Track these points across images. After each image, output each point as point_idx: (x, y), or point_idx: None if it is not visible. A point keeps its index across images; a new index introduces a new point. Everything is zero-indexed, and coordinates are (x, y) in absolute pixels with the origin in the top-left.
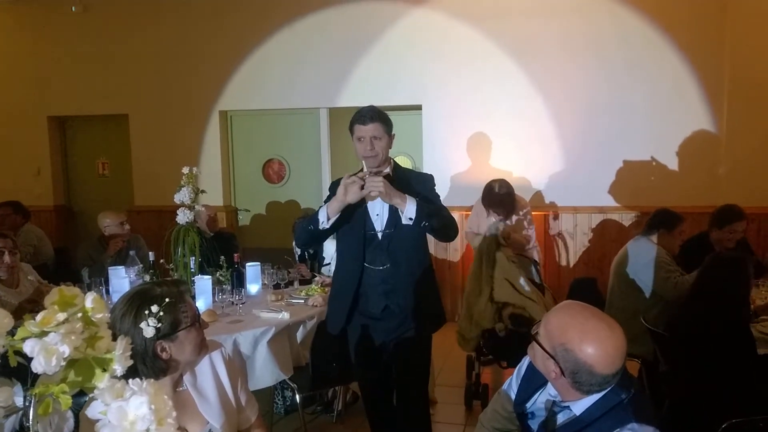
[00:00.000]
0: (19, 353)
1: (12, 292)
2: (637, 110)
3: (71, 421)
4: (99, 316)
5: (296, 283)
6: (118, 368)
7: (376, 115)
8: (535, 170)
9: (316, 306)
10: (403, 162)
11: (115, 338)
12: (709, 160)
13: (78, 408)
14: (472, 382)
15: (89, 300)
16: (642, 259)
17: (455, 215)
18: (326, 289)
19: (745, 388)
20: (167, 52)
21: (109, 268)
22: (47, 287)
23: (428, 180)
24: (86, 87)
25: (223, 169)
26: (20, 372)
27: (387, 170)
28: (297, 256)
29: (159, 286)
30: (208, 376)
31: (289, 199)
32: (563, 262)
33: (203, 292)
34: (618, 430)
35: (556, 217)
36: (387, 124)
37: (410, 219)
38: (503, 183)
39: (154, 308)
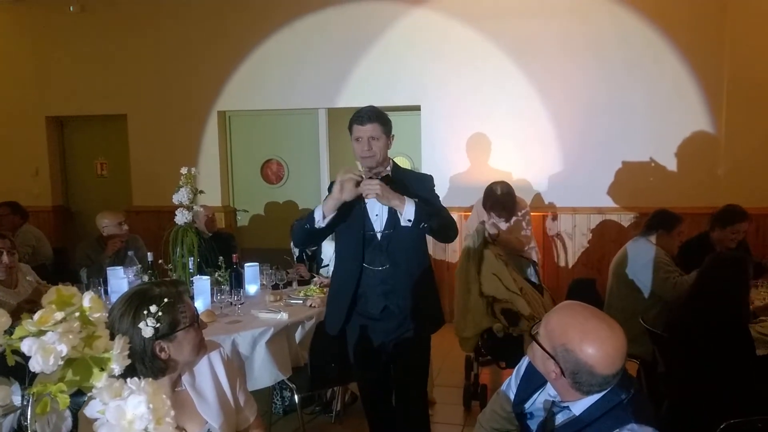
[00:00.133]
0: (17, 352)
1: (10, 293)
2: (636, 111)
3: (69, 420)
4: (97, 315)
5: (295, 284)
6: (116, 367)
7: (375, 116)
8: (534, 171)
9: (315, 307)
10: (402, 162)
11: (113, 338)
12: (708, 160)
13: (76, 407)
14: (470, 383)
15: (87, 299)
16: (641, 259)
17: (454, 216)
18: (325, 290)
19: (744, 389)
20: (166, 53)
21: (108, 268)
22: (46, 287)
23: (428, 180)
24: (85, 87)
25: (222, 169)
26: (18, 371)
27: (387, 171)
28: (295, 257)
29: (158, 287)
30: (207, 376)
31: (288, 199)
32: (562, 263)
33: (202, 292)
34: (617, 430)
35: (555, 218)
36: (386, 125)
37: (409, 221)
38: (504, 185)
39: (153, 308)
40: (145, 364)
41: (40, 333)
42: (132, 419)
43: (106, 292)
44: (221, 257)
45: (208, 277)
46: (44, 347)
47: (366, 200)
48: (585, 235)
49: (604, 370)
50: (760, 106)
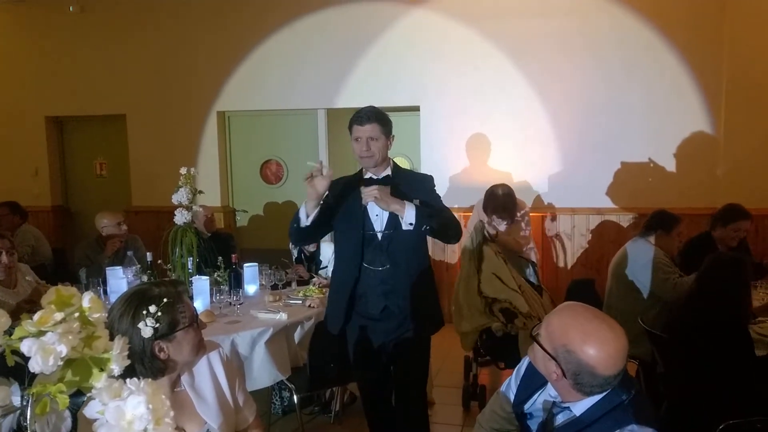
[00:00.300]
0: (17, 353)
1: (9, 293)
2: (635, 111)
3: (69, 421)
4: (96, 315)
5: (294, 284)
6: (116, 368)
7: (374, 116)
8: (533, 171)
9: (314, 307)
10: (401, 163)
11: (113, 338)
12: (707, 161)
13: (75, 407)
14: (469, 383)
15: (86, 299)
16: (640, 260)
17: None
18: (324, 290)
19: (744, 389)
20: (165, 53)
21: (107, 268)
22: (45, 287)
23: (428, 180)
24: (84, 87)
25: (221, 169)
26: (18, 371)
27: (387, 171)
28: (294, 257)
29: (157, 287)
30: (206, 376)
31: (287, 199)
32: (561, 264)
33: (201, 292)
34: (618, 431)
35: (554, 218)
36: (385, 125)
37: (410, 224)
38: (504, 186)
39: (152, 308)
40: (144, 364)
41: (40, 333)
42: (131, 420)
43: (105, 292)
44: (220, 257)
45: (207, 277)
46: (44, 348)
47: (365, 201)
48: (584, 236)
49: (605, 371)
50: (759, 106)
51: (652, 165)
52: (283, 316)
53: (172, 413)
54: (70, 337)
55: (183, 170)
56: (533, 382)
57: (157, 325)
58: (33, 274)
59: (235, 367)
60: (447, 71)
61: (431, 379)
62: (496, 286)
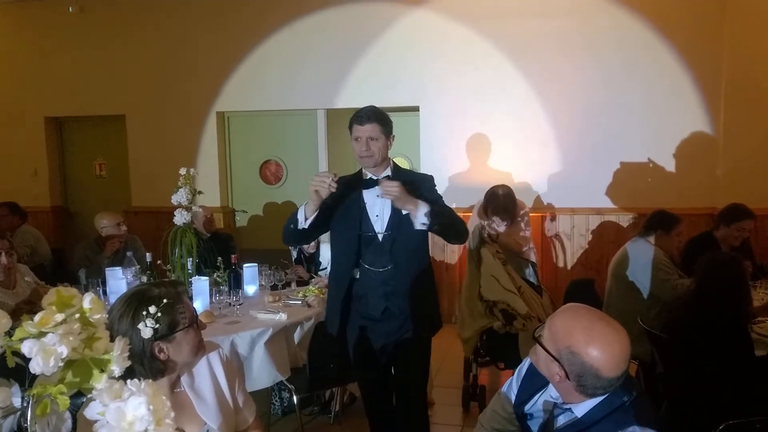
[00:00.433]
0: (17, 354)
1: (9, 293)
2: (635, 111)
3: (69, 422)
4: (97, 316)
5: (293, 285)
6: (116, 369)
7: (374, 116)
8: (533, 171)
9: (313, 307)
10: (401, 163)
11: (112, 339)
12: (706, 161)
13: (76, 409)
14: (469, 384)
15: (87, 301)
16: (640, 260)
17: None
18: (324, 291)
19: (743, 390)
20: (164, 53)
21: (106, 269)
22: (44, 288)
23: (429, 180)
24: (83, 88)
25: (221, 170)
26: (18, 372)
27: (387, 171)
28: (293, 258)
29: (157, 287)
30: (206, 377)
31: (287, 200)
32: (561, 264)
33: (200, 293)
34: None
35: (553, 219)
36: (385, 126)
37: (423, 224)
38: (504, 187)
39: (152, 309)
40: (144, 364)
41: (41, 334)
42: (132, 421)
43: (104, 292)
44: (220, 258)
45: (207, 277)
46: (44, 349)
47: (365, 201)
48: (584, 236)
49: (609, 373)
50: (759, 106)
51: (651, 165)
52: (282, 317)
53: (172, 414)
54: (70, 338)
55: (182, 171)
56: (534, 383)
57: (157, 325)
58: (32, 274)
59: (235, 367)
60: (447, 71)
61: (431, 379)
62: (494, 288)
